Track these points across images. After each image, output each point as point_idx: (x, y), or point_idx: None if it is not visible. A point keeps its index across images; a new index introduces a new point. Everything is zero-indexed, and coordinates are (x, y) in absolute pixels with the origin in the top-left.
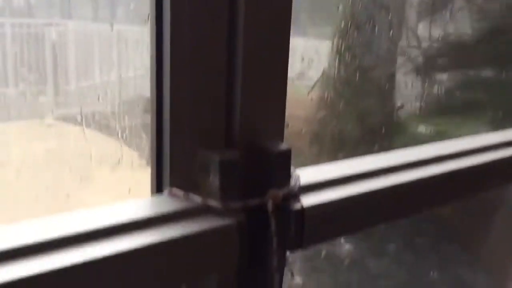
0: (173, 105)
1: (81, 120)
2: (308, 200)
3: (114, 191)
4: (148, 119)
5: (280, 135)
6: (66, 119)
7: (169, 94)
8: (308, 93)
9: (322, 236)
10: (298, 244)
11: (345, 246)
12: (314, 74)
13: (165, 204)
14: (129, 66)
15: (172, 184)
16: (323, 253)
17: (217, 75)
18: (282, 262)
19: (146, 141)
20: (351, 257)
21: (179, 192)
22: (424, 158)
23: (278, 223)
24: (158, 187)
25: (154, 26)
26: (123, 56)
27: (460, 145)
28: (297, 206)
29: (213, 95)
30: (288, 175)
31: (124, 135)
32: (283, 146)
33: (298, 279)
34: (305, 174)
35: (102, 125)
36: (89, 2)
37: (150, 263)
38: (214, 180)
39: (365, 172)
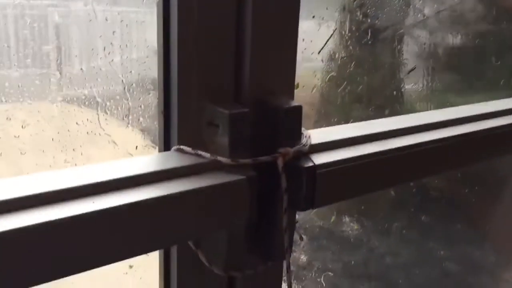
0: (181, 60)
1: (87, 101)
2: (319, 159)
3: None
4: (154, 99)
5: (290, 93)
6: (71, 100)
7: (176, 48)
8: (319, 52)
9: (333, 195)
10: (309, 203)
11: (350, 224)
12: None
13: (173, 160)
14: (134, 48)
15: (180, 141)
16: (329, 232)
17: (227, 29)
18: (292, 222)
19: (151, 121)
20: (356, 235)
21: (187, 149)
22: (435, 121)
23: (289, 181)
24: (166, 145)
25: None
26: (128, 38)
27: (472, 110)
28: (308, 163)
29: (222, 49)
30: (299, 133)
31: (129, 116)
32: (294, 103)
33: (303, 258)
34: (315, 135)
35: (107, 106)
36: None
37: (157, 217)
38: (223, 135)
39: (376, 133)
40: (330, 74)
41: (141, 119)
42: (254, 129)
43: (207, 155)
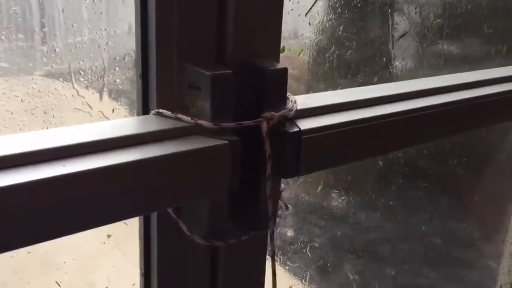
0: (159, 18)
1: (70, 76)
2: (305, 124)
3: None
4: (125, 68)
5: (275, 56)
6: (54, 75)
7: (154, 5)
8: (306, 14)
9: (318, 163)
10: (294, 170)
11: (336, 200)
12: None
13: (151, 123)
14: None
15: (160, 105)
16: (315, 206)
17: None
18: (277, 190)
19: (122, 88)
20: (342, 210)
21: (167, 113)
22: (423, 89)
23: (273, 146)
24: (144, 110)
25: None
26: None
27: (460, 79)
28: (293, 129)
29: (204, 6)
30: (284, 98)
31: (113, 90)
32: (279, 65)
33: (289, 232)
34: (300, 101)
35: (90, 81)
36: None
37: (134, 182)
38: (205, 98)
39: (363, 100)
40: (318, 38)
41: (117, 80)
42: (237, 92)
43: (188, 118)
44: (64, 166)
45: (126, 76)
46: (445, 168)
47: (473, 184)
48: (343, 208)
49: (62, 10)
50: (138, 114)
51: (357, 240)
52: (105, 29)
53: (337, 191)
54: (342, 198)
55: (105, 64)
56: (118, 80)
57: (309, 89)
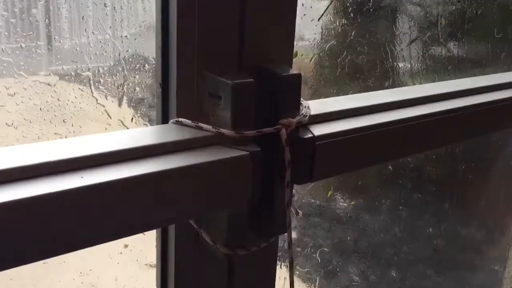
0: (181, 26)
1: (75, 77)
2: (318, 130)
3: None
4: (145, 77)
5: (289, 61)
6: (61, 75)
7: (176, 14)
8: (319, 19)
9: (332, 168)
10: (308, 176)
11: (340, 202)
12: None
13: (172, 132)
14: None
15: (179, 114)
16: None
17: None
18: (291, 196)
19: (142, 97)
20: (347, 213)
21: (187, 122)
22: (436, 94)
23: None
24: (164, 119)
25: None
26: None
27: (473, 83)
28: (307, 135)
29: (224, 14)
30: (298, 103)
31: (120, 93)
32: (293, 70)
33: (293, 234)
34: (313, 106)
35: (97, 82)
36: None
37: (155, 194)
38: (225, 106)
39: (375, 105)
40: (330, 43)
41: (137, 89)
42: (255, 97)
43: (209, 127)
44: (82, 177)
45: (146, 84)
46: (451, 171)
47: (479, 187)
48: (351, 211)
49: (83, 17)
50: (157, 123)
51: (364, 243)
52: (126, 36)
53: (346, 195)
54: (350, 201)
55: (125, 72)
56: (138, 89)
57: (320, 94)
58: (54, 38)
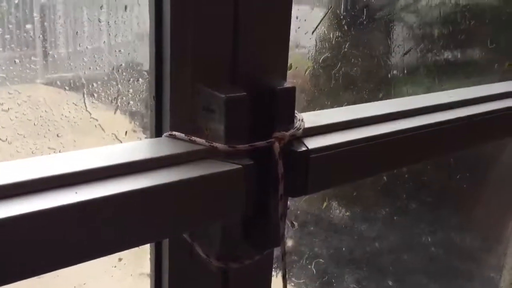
0: (174, 39)
1: (73, 84)
2: (312, 143)
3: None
4: (141, 85)
5: (283, 75)
6: (56, 84)
7: (169, 28)
8: (313, 32)
9: (326, 181)
10: (302, 189)
11: (336, 211)
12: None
13: (166, 146)
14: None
15: (173, 128)
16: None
17: (222, 12)
18: (285, 209)
19: (137, 107)
20: (343, 221)
21: (180, 135)
22: (429, 105)
23: (284, 166)
24: (157, 132)
25: None
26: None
27: (465, 94)
28: (301, 148)
29: (218, 26)
30: (292, 116)
31: (115, 101)
32: (287, 84)
33: (289, 243)
34: (307, 118)
35: (92, 91)
36: None
37: (149, 208)
38: (219, 120)
39: (369, 117)
40: (324, 55)
41: (131, 102)
42: (248, 111)
43: (202, 141)
44: (76, 193)
45: (140, 98)
46: (446, 180)
47: (475, 195)
48: (345, 219)
49: (77, 32)
50: (151, 136)
51: (359, 252)
52: (120, 51)
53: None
54: (345, 210)
55: (119, 86)
56: (132, 102)
57: (315, 105)
58: (49, 53)
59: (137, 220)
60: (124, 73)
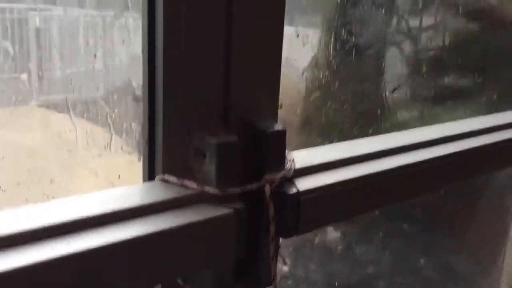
0: (166, 84)
1: (66, 107)
2: (303, 184)
3: (100, 178)
4: (137, 107)
5: (274, 116)
6: (50, 106)
7: (162, 72)
8: (303, 73)
9: (317, 221)
10: (294, 230)
11: (332, 233)
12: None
13: (157, 191)
14: (116, 53)
15: (165, 170)
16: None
17: (214, 55)
18: (276, 249)
19: (134, 129)
20: (338, 244)
21: (172, 179)
22: (420, 141)
23: (274, 208)
24: (150, 174)
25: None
26: (110, 43)
27: (456, 128)
28: (292, 190)
29: (208, 73)
30: (283, 157)
31: (111, 123)
32: (278, 126)
33: (284, 267)
34: (298, 157)
35: (87, 112)
36: None
37: (142, 255)
38: (210, 164)
39: (359, 155)
40: (314, 95)
41: (123, 147)
42: (239, 155)
43: (193, 185)
44: (68, 243)
45: (132, 143)
46: (441, 203)
47: (469, 220)
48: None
49: (72, 83)
50: (144, 179)
51: (352, 275)
52: (114, 97)
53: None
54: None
55: (112, 131)
56: (124, 147)
57: (306, 143)
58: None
59: (129, 268)
60: (117, 119)
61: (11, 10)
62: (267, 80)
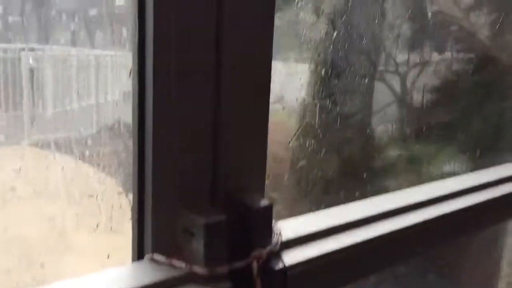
0: (156, 164)
1: (57, 146)
2: (290, 258)
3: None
4: (126, 145)
5: (261, 191)
6: (43, 145)
7: (151, 153)
8: (289, 142)
9: None
10: None
11: None
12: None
13: (146, 273)
14: (108, 92)
15: (154, 249)
16: None
17: (201, 135)
18: None
19: (124, 167)
20: None
21: (161, 258)
22: (407, 204)
23: (262, 284)
24: (139, 253)
25: (136, 79)
26: (102, 82)
27: (443, 187)
28: (279, 265)
29: (196, 154)
30: (270, 232)
31: (102, 162)
32: (264, 202)
33: None
34: (286, 227)
35: (78, 151)
36: (67, 26)
37: None
38: (198, 244)
39: (347, 223)
40: (301, 163)
41: (114, 226)
42: (227, 233)
43: (182, 265)
44: None
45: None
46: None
47: (462, 259)
48: None
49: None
50: (133, 258)
51: None
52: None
53: None
54: None
55: (101, 208)
56: (113, 226)
57: (294, 210)
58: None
59: None
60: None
61: (5, 50)
62: (254, 157)
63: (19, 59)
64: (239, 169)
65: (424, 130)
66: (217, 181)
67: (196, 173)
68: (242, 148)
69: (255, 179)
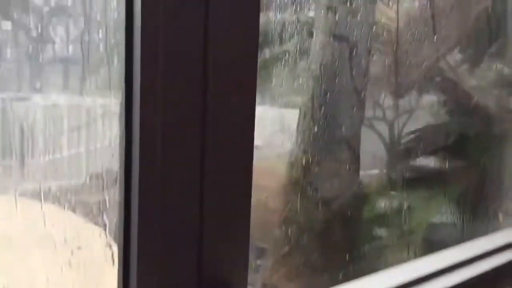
0: (141, 248)
1: (46, 195)
2: None
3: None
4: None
5: (243, 282)
6: (32, 194)
7: (136, 237)
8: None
9: None
10: None
11: None
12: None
13: None
14: (99, 139)
15: None
16: None
17: (187, 219)
18: None
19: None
20: None
21: None
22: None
23: None
24: None
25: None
26: (93, 129)
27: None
28: None
29: (182, 238)
30: None
31: (92, 210)
32: None
33: None
34: None
35: (68, 200)
36: (58, 74)
37: None
38: None
39: None
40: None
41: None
42: None
43: None
44: None
45: None
46: None
47: None
48: None
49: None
50: None
51: None
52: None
53: None
54: None
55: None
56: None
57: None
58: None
59: None
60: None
61: None
62: (238, 243)
63: (11, 107)
64: (224, 255)
65: None
66: (202, 267)
67: (181, 259)
68: (227, 233)
69: (238, 272)
